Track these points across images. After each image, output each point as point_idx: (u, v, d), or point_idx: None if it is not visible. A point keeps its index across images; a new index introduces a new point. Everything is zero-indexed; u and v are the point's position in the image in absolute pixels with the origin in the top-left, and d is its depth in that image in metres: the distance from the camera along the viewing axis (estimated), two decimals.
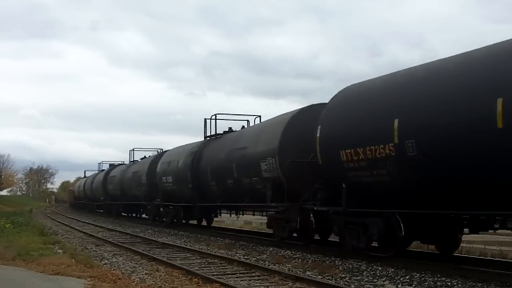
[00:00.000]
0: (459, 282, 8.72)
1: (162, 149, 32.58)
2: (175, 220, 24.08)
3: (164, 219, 25.12)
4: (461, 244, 12.65)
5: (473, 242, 14.89)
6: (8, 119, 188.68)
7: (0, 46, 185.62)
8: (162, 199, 24.78)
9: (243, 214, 22.31)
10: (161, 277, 9.64)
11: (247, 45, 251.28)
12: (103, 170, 47.29)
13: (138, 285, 8.78)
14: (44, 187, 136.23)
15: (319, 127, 12.34)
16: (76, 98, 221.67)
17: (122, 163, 42.80)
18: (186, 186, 21.46)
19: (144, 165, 29.96)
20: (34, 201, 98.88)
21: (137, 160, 35.30)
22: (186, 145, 23.68)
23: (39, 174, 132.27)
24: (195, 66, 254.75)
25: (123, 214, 37.71)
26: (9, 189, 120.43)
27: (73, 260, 11.79)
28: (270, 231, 16.01)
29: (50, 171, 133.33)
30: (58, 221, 32.47)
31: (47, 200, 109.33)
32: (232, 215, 22.48)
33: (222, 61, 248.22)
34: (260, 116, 20.02)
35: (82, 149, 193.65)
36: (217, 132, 20.92)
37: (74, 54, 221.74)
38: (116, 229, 23.39)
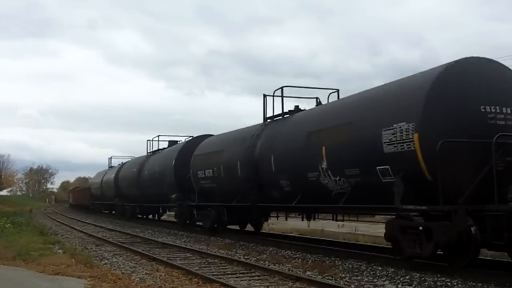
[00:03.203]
0: (459, 282, 8.71)
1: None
2: None
3: None
4: None
5: None
6: (7, 118, 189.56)
7: None
8: None
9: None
10: (161, 277, 9.64)
11: (246, 44, 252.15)
12: (157, 150, 28.50)
13: (138, 285, 8.78)
14: (44, 187, 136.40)
15: None
16: (74, 97, 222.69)
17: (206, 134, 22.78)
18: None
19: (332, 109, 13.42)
20: (34, 201, 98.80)
21: (271, 119, 16.23)
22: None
23: (39, 174, 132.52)
24: (194, 66, 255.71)
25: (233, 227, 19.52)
26: (9, 189, 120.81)
27: (73, 260, 11.79)
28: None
29: (50, 171, 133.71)
30: (58, 221, 32.50)
31: (47, 200, 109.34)
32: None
33: (221, 61, 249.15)
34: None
35: (81, 149, 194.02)
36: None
37: (72, 53, 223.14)
38: (116, 229, 23.39)
